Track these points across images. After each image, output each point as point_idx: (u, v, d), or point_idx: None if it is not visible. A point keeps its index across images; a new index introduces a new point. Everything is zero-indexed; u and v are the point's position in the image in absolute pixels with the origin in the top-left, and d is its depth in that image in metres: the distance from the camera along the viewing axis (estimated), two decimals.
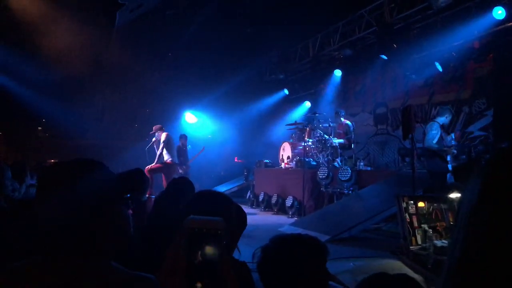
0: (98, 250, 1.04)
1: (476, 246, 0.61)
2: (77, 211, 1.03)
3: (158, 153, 8.95)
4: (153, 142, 9.13)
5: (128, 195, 1.22)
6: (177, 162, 9.04)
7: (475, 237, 0.62)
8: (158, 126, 9.20)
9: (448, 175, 6.27)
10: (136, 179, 3.54)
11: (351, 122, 9.93)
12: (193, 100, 14.81)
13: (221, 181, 13.30)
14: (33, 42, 11.41)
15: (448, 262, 0.66)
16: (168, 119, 10.82)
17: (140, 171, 3.71)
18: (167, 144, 8.87)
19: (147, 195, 3.93)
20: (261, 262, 1.60)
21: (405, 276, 1.32)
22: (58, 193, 1.03)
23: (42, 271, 1.00)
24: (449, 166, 6.31)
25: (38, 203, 1.08)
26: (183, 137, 10.89)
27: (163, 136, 8.95)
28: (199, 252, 0.82)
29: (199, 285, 0.81)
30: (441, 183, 6.25)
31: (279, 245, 1.62)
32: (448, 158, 6.35)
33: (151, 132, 9.25)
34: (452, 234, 0.68)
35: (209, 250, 0.82)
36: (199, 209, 1.39)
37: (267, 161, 11.46)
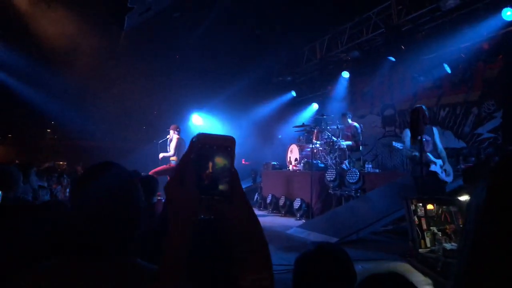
0: (125, 247, 1.07)
1: (485, 250, 0.62)
2: (108, 210, 1.06)
3: (167, 155, 9.01)
4: (168, 138, 9.23)
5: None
6: None
7: (483, 241, 0.62)
8: (174, 126, 9.25)
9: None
10: (147, 181, 3.57)
11: (359, 124, 9.90)
12: (200, 102, 14.87)
13: None
14: (42, 45, 11.53)
15: (456, 266, 0.66)
16: (175, 121, 10.83)
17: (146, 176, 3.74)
18: (178, 148, 8.92)
19: (156, 197, 3.96)
20: (296, 276, 1.62)
21: (397, 275, 1.35)
22: (89, 194, 1.07)
23: (72, 272, 1.02)
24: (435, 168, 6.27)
25: (72, 205, 1.12)
26: None
27: (174, 140, 8.99)
28: (209, 166, 0.82)
29: (209, 196, 0.82)
30: (420, 188, 6.22)
31: (314, 261, 1.64)
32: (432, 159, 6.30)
33: (167, 129, 9.33)
34: (461, 237, 0.68)
35: (218, 164, 0.82)
36: None
37: (275, 163, 11.45)
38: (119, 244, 1.07)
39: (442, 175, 6.20)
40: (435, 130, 6.48)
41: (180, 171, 0.82)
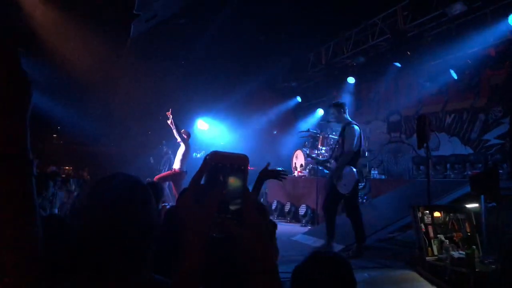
0: (140, 264, 1.03)
1: None
2: (119, 226, 1.00)
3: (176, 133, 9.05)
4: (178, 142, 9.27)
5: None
6: (185, 170, 9.09)
7: None
8: (187, 132, 9.30)
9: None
10: (152, 188, 3.56)
11: (363, 128, 9.83)
12: (205, 107, 14.88)
13: None
14: (48, 50, 11.60)
15: None
16: (181, 126, 10.84)
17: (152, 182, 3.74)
18: (184, 152, 8.95)
19: (161, 204, 3.95)
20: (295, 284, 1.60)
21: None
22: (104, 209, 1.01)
23: None
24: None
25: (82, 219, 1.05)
26: None
27: (183, 144, 9.03)
28: (222, 186, 0.82)
29: (222, 215, 0.81)
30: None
31: (313, 269, 1.61)
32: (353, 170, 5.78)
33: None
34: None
35: (231, 184, 0.82)
36: None
37: (280, 169, 11.39)
38: (133, 261, 1.01)
39: (338, 186, 5.70)
40: (351, 129, 5.93)
41: (193, 189, 0.82)
